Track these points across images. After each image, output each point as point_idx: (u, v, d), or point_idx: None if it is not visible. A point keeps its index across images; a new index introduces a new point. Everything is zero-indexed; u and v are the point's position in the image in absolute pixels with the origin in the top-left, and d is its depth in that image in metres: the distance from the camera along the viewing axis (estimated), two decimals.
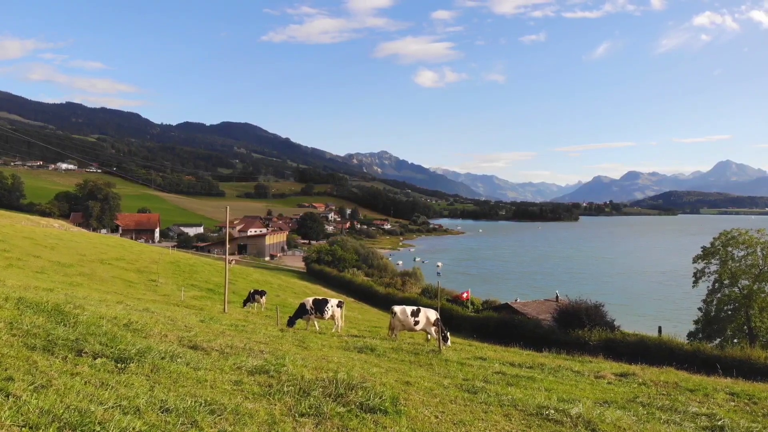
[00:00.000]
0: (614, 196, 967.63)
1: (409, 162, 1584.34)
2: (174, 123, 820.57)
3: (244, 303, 28.08)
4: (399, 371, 9.41)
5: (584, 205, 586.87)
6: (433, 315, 17.19)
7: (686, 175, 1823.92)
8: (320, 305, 18.87)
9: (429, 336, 17.42)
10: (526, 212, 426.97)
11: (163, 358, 6.55)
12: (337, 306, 19.16)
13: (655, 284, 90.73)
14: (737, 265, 42.55)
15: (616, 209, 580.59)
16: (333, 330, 18.74)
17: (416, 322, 17.05)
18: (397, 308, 17.64)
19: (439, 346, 14.12)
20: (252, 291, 28.92)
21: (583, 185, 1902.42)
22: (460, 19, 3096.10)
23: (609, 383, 10.61)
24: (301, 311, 18.90)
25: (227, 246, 23.63)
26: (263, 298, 28.04)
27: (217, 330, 10.65)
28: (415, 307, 17.77)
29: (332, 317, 19.11)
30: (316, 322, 19.16)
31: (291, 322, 18.51)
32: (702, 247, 45.75)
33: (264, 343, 9.81)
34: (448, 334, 16.80)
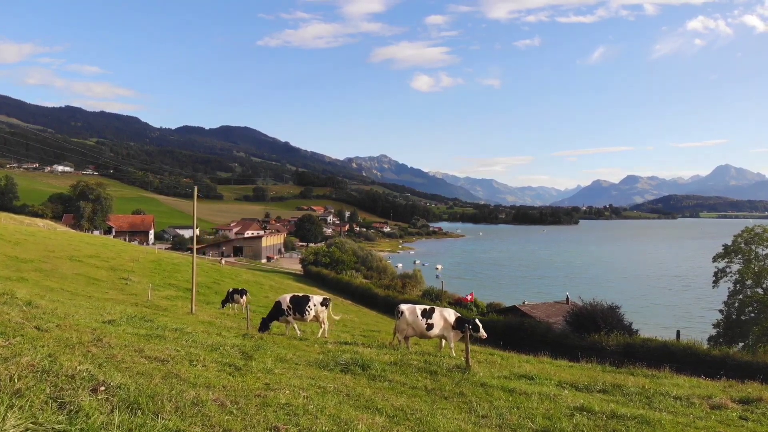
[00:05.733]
0: (613, 200, 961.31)
1: (409, 166, 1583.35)
2: (173, 127, 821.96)
3: (223, 303, 25.55)
4: (411, 417, 5.62)
5: (584, 208, 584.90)
6: (452, 315, 13.55)
7: (685, 179, 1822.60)
8: (300, 304, 15.51)
9: (443, 343, 13.92)
10: (526, 216, 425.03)
11: None
12: (322, 304, 15.74)
13: (661, 288, 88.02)
14: (761, 264, 39.76)
15: (615, 213, 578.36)
16: (318, 335, 15.64)
17: (429, 326, 13.38)
18: (404, 307, 13.99)
19: (467, 361, 10.45)
20: (231, 290, 25.97)
21: (582, 189, 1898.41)
22: (455, 24, 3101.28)
23: (743, 418, 7.29)
24: (277, 312, 15.63)
25: (195, 232, 20.70)
26: (243, 297, 25.03)
27: (118, 337, 6.95)
28: (427, 306, 14.08)
29: (316, 318, 15.84)
30: (296, 325, 16.02)
31: (264, 326, 15.24)
32: (723, 245, 42.89)
33: (161, 361, 6.04)
34: (479, 323, 13.66)
